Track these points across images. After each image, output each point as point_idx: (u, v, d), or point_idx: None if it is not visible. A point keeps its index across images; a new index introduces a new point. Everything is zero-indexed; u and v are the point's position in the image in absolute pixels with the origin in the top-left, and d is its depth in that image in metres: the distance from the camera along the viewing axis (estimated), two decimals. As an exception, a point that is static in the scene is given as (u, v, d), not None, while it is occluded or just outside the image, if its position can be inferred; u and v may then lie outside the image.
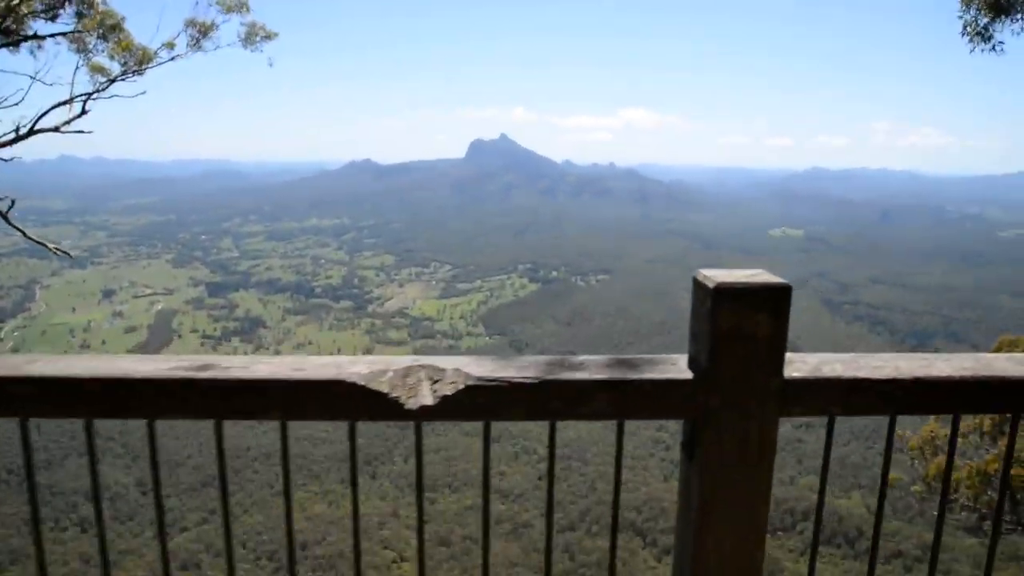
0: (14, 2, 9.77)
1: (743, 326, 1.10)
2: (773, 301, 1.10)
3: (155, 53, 10.93)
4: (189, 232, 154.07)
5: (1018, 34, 8.22)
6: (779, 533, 40.15)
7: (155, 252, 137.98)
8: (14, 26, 10.25)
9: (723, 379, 1.12)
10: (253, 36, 11.51)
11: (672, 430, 46.15)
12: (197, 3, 10.96)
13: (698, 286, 1.15)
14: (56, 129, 10.28)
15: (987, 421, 7.25)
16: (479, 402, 1.11)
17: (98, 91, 10.72)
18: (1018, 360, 1.25)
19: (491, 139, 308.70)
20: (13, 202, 9.94)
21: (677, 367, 1.16)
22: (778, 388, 1.14)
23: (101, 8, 10.64)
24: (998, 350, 7.82)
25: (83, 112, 10.43)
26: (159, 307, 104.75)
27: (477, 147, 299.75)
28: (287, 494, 1.20)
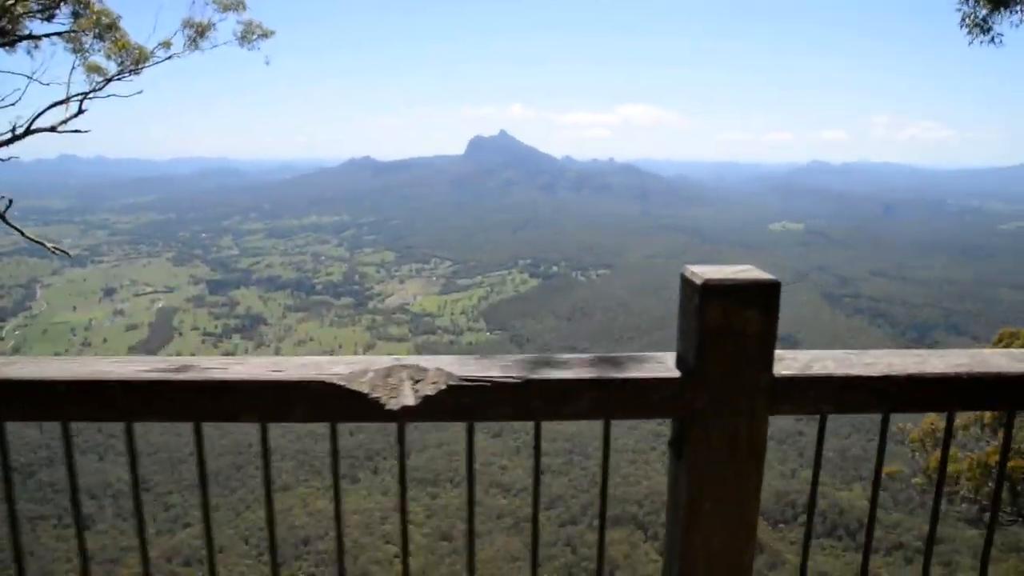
0: (9, 2, 9.73)
1: (732, 323, 1.08)
2: (763, 297, 1.08)
3: (152, 52, 10.89)
4: (189, 230, 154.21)
5: (1017, 26, 8.17)
6: (781, 526, 40.32)
7: (155, 250, 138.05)
8: (10, 26, 10.21)
9: (711, 377, 1.10)
10: (250, 34, 11.43)
11: (673, 424, 46.11)
12: (194, 1, 10.91)
13: (686, 282, 1.13)
14: (53, 129, 10.25)
15: (988, 414, 7.23)
16: (462, 402, 1.09)
17: (95, 90, 10.67)
18: (1013, 356, 1.23)
19: (490, 135, 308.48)
20: (11, 202, 9.91)
21: (664, 365, 1.15)
22: (768, 385, 1.12)
23: (97, 7, 10.59)
24: (998, 343, 7.81)
25: (80, 111, 10.40)
26: (160, 305, 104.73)
27: (476, 143, 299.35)
28: (268, 498, 1.18)
